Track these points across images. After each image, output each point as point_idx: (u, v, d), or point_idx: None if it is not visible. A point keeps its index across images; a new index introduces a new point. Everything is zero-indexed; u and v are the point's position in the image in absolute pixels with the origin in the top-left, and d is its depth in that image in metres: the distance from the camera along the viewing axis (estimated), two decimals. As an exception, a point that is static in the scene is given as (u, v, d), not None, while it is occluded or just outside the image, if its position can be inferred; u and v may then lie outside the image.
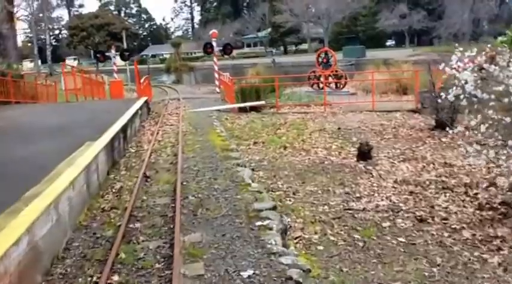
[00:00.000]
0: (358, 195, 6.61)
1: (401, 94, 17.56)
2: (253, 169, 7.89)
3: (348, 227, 5.39)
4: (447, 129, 10.55)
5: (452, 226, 5.27)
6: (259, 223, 4.69)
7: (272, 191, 6.81)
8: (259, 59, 59.74)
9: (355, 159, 8.79)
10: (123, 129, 8.40)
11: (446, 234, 5.10)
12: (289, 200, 6.45)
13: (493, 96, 5.12)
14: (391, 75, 18.91)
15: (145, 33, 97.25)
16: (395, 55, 49.26)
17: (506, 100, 5.12)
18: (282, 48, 77.62)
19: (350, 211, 5.92)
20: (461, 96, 5.70)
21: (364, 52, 55.87)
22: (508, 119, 4.92)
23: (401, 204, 6.10)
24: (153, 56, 79.33)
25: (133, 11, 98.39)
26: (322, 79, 18.54)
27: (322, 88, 17.65)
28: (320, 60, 20.00)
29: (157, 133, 10.34)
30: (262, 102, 15.46)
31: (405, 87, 17.60)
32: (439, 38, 57.75)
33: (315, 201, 6.39)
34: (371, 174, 7.70)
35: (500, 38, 5.66)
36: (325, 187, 7.00)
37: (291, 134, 11.24)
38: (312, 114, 14.41)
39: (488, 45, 5.76)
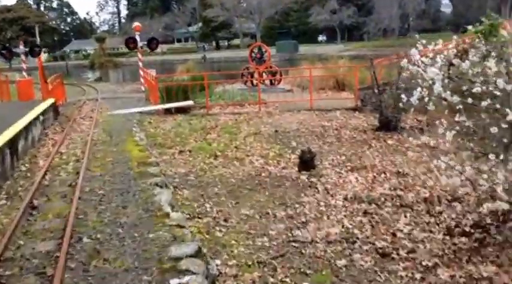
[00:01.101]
0: (303, 218, 5.45)
1: (339, 91, 16.83)
2: (176, 188, 6.56)
3: (294, 271, 4.19)
4: (399, 129, 10.04)
5: (423, 263, 4.22)
6: (175, 281, 3.40)
7: (198, 218, 5.51)
8: (190, 54, 58.06)
9: (297, 168, 7.68)
10: (11, 142, 6.78)
11: (418, 275, 4.04)
12: (220, 230, 5.18)
13: (469, 100, 4.09)
14: (328, 70, 18.13)
15: (67, 28, 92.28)
16: (328, 50, 49.42)
17: (485, 103, 4.11)
18: (214, 43, 76.12)
19: (296, 245, 4.74)
20: (427, 99, 4.67)
21: (297, 47, 55.67)
22: (493, 128, 3.88)
23: (356, 231, 5.00)
24: (76, 52, 75.34)
25: (54, 5, 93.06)
26: (256, 75, 17.47)
27: (256, 85, 16.54)
28: (253, 55, 18.90)
29: (62, 143, 8.71)
30: (191, 103, 14.04)
31: (343, 83, 16.88)
32: (368, 34, 58.71)
33: (251, 230, 5.16)
34: (316, 188, 6.60)
35: (470, 28, 4.68)
36: (264, 209, 5.80)
37: (223, 140, 9.97)
38: (245, 114, 13.21)
39: (454, 37, 4.77)
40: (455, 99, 4.11)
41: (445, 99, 4.32)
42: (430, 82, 4.14)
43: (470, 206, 5.28)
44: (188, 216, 5.49)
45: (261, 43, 21.95)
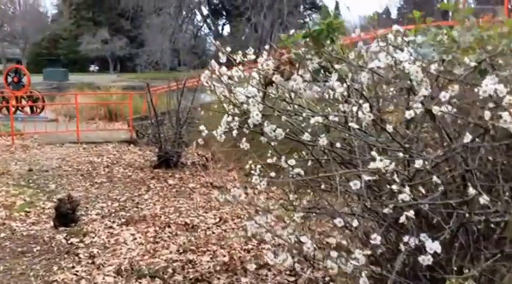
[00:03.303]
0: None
1: (111, 121, 14.66)
2: None
3: None
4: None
5: None
6: None
7: None
8: None
9: (52, 223, 5.41)
10: None
11: None
12: None
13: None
14: (99, 98, 15.77)
15: None
16: (100, 80, 46.00)
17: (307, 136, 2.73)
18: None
19: None
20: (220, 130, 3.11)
21: (67, 75, 50.78)
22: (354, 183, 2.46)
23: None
24: None
25: None
26: (12, 102, 14.11)
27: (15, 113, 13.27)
28: (10, 79, 15.46)
29: None
30: None
31: (116, 113, 14.77)
32: (141, 66, 57.04)
33: None
34: (77, 255, 4.49)
35: (283, 35, 3.23)
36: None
37: None
38: (-8, 149, 10.07)
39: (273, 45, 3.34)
40: (278, 132, 2.63)
41: (262, 134, 2.80)
42: (245, 107, 2.61)
43: (283, 273, 3.89)
44: None
45: (19, 65, 18.34)
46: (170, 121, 8.56)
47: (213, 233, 4.93)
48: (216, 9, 51.94)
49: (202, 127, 2.92)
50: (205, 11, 51.29)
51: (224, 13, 51.82)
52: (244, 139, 2.92)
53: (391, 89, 2.92)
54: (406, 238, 2.22)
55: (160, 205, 6.07)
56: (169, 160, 8.23)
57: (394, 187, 2.06)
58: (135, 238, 4.87)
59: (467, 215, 2.34)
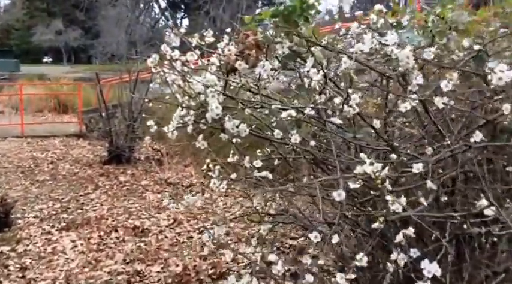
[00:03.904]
0: None
1: (61, 114, 13.69)
2: None
3: None
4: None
5: None
6: None
7: None
8: None
9: (-18, 228, 4.73)
10: None
11: None
12: None
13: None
14: (48, 89, 14.75)
15: None
16: (53, 71, 43.82)
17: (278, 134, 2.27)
18: None
19: None
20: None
21: (19, 66, 48.20)
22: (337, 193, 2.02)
23: None
24: None
25: None
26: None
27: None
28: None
29: None
30: None
31: (65, 104, 13.82)
32: (96, 57, 54.78)
33: None
34: (6, 268, 3.85)
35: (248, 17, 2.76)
36: None
37: None
38: None
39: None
40: (242, 128, 2.17)
41: (223, 130, 2.32)
42: (202, 98, 2.13)
43: None
44: None
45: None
46: (122, 114, 7.90)
47: (166, 237, 4.39)
48: (175, 2, 50.64)
49: (150, 122, 2.42)
50: (163, 4, 49.92)
51: (183, 6, 50.64)
52: (201, 136, 2.43)
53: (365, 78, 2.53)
54: (394, 255, 1.82)
55: (107, 206, 5.46)
56: (120, 156, 7.59)
57: (389, 198, 1.63)
58: (76, 246, 4.27)
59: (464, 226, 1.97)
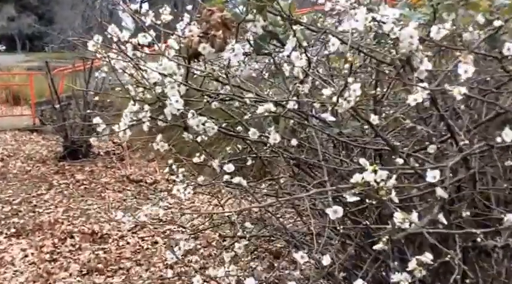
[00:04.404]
0: None
1: (14, 106, 12.83)
2: None
3: None
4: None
5: None
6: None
7: None
8: None
9: None
10: None
11: None
12: None
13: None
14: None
15: None
16: (6, 60, 41.77)
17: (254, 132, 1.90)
18: None
19: None
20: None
21: (-32, 55, 45.83)
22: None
23: None
24: None
25: None
26: None
27: None
28: None
29: None
30: None
31: (17, 96, 12.95)
32: (52, 45, 52.50)
33: None
34: None
35: None
36: None
37: None
38: None
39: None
40: (209, 126, 1.78)
41: (186, 128, 1.93)
42: (158, 90, 1.74)
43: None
44: None
45: None
46: (77, 106, 7.32)
47: (128, 244, 3.97)
48: (133, -13, 49.08)
49: (96, 120, 2.00)
50: (121, -12, 48.24)
51: (142, -10, 49.10)
52: (159, 136, 2.03)
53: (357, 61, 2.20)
54: (394, 276, 1.49)
55: (63, 208, 4.97)
56: (77, 151, 7.04)
57: (399, 216, 1.28)
58: (26, 255, 3.79)
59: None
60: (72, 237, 4.11)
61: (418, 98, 1.35)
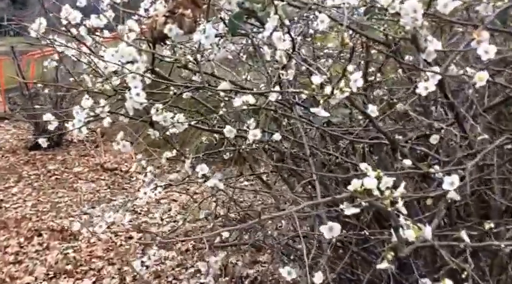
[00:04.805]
0: None
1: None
2: None
3: None
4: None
5: None
6: None
7: None
8: None
9: None
10: None
11: None
12: None
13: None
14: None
15: None
16: (-22, 44, 40.36)
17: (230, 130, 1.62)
18: None
19: None
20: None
21: None
22: None
23: None
24: None
25: None
26: None
27: None
28: None
29: None
30: None
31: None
32: (26, 29, 50.73)
33: None
34: None
35: None
36: None
37: None
38: None
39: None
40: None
41: (152, 124, 1.66)
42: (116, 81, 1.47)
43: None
44: None
45: None
46: (49, 92, 6.90)
47: (99, 240, 3.69)
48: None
49: (47, 116, 1.74)
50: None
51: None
52: (121, 134, 1.77)
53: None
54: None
55: (32, 202, 4.65)
56: (49, 139, 6.64)
57: (410, 234, 1.04)
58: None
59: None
60: (40, 235, 3.81)
61: (429, 86, 1.10)
